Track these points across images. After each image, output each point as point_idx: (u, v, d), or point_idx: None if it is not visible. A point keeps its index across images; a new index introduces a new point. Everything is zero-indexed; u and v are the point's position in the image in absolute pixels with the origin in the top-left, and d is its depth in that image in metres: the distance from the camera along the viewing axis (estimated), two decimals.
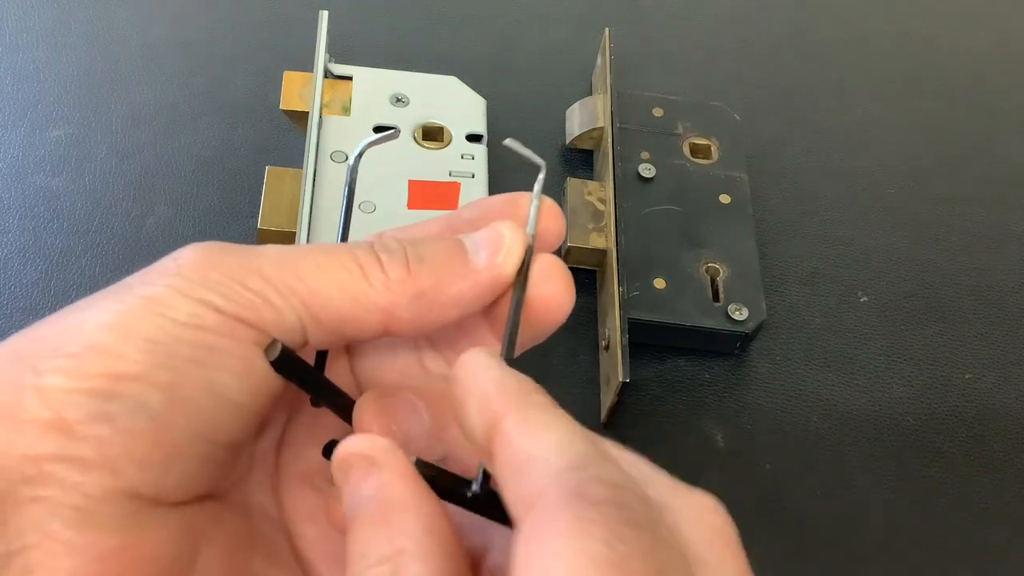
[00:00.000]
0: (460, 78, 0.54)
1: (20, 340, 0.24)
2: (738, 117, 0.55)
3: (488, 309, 0.27)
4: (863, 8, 0.67)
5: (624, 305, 0.46)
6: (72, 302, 0.25)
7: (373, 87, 0.53)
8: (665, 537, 0.20)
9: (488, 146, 0.52)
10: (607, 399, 0.45)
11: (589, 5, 0.63)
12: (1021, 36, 0.67)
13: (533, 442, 0.21)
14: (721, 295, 0.48)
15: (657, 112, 0.54)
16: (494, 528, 0.25)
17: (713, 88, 0.60)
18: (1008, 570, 0.45)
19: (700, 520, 0.22)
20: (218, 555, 0.25)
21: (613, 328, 0.45)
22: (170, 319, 0.23)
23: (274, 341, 0.24)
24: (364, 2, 0.61)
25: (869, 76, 0.63)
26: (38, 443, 0.22)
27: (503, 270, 0.25)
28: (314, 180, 0.47)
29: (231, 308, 0.24)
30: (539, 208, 0.26)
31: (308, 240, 0.45)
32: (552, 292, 0.26)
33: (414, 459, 0.24)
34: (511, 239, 0.25)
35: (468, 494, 0.24)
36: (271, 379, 0.25)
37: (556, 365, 0.47)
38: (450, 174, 0.50)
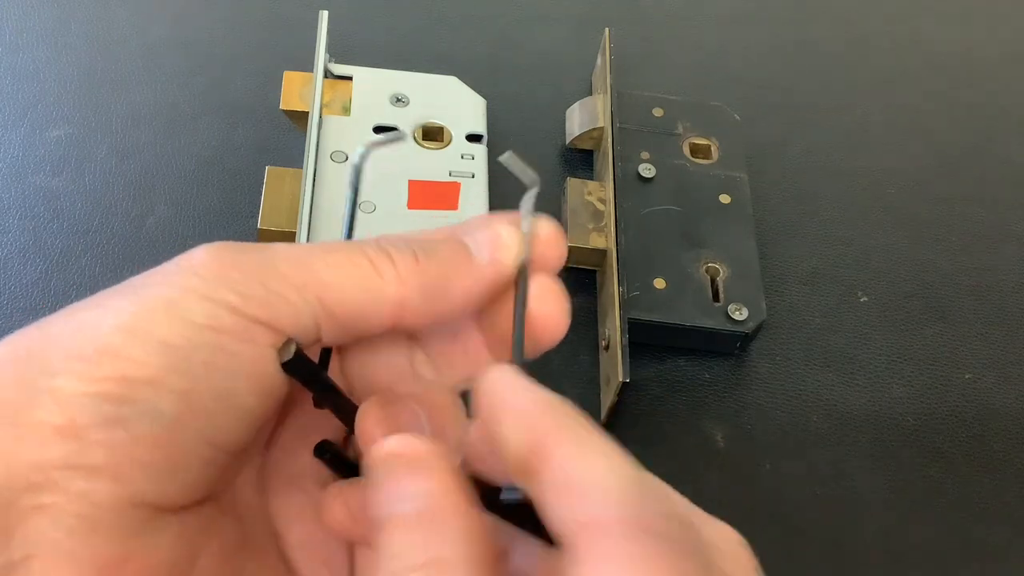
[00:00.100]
0: (460, 78, 0.54)
1: (32, 336, 0.23)
2: (738, 117, 0.55)
3: (481, 318, 0.27)
4: (863, 8, 0.67)
5: (624, 305, 0.46)
6: (72, 302, 0.24)
7: (373, 87, 0.53)
8: (715, 571, 0.21)
9: (488, 146, 0.52)
10: (607, 399, 0.45)
11: (589, 5, 0.63)
12: (1021, 36, 0.67)
13: (586, 468, 0.21)
14: (721, 295, 0.48)
15: (657, 112, 0.54)
16: (515, 532, 0.25)
17: (713, 88, 0.60)
18: (1008, 570, 0.45)
19: (735, 557, 0.23)
20: (214, 560, 0.25)
21: (613, 328, 0.45)
22: (187, 321, 0.23)
23: (289, 340, 0.24)
24: (364, 2, 0.61)
25: (869, 76, 0.63)
26: (47, 449, 0.22)
27: (504, 265, 0.26)
28: (314, 180, 0.47)
29: (249, 308, 0.24)
30: (532, 225, 0.26)
31: (308, 240, 0.45)
32: (547, 312, 0.26)
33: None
34: (508, 236, 0.26)
35: (504, 503, 0.24)
36: (279, 384, 0.25)
37: (556, 365, 0.47)
38: (450, 174, 0.50)
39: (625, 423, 0.46)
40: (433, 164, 0.50)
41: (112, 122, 0.53)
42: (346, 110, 0.51)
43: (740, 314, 0.47)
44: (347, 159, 0.49)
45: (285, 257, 0.25)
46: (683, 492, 0.24)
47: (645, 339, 0.48)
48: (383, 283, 0.25)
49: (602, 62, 0.56)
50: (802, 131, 0.59)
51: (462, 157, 0.51)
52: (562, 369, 0.47)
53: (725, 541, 0.23)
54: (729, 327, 0.47)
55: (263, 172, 0.49)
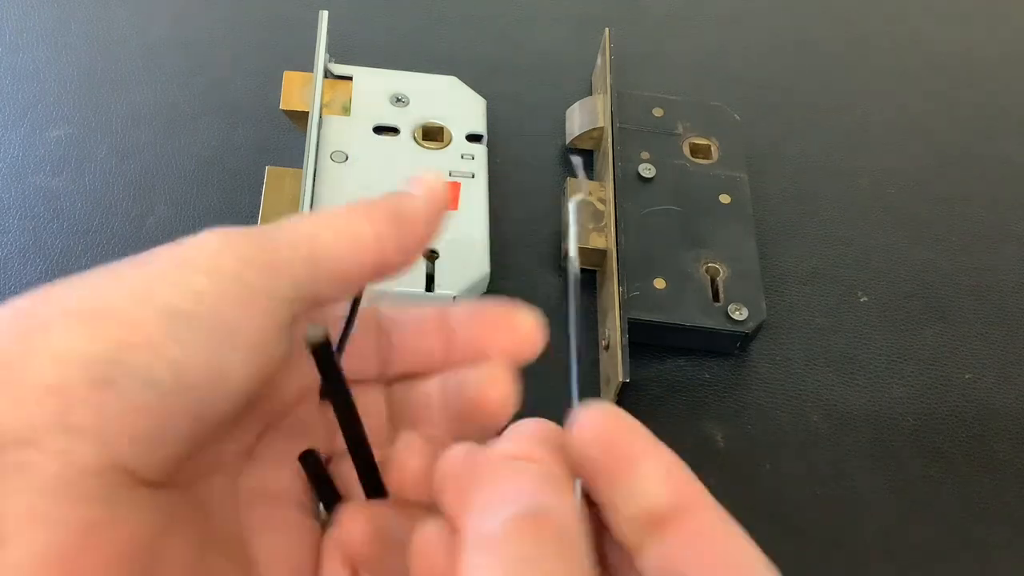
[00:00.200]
0: (460, 78, 0.54)
1: (34, 298, 0.24)
2: (738, 117, 0.55)
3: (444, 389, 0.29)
4: (863, 8, 0.67)
5: (624, 305, 0.46)
6: None
7: (373, 87, 0.53)
8: None
9: (488, 146, 0.52)
10: (607, 399, 0.45)
11: (589, 5, 0.63)
12: (1021, 36, 0.67)
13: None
14: (721, 295, 0.48)
15: (657, 112, 0.54)
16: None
17: (713, 88, 0.60)
18: (1008, 570, 0.45)
19: None
20: (183, 549, 0.25)
21: (613, 328, 0.45)
22: (189, 288, 0.23)
23: (316, 325, 0.25)
24: (364, 2, 0.61)
25: (869, 76, 0.63)
26: (37, 407, 0.22)
27: (436, 190, 0.28)
28: (314, 180, 0.47)
29: (250, 273, 0.24)
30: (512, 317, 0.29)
31: None
32: (494, 397, 0.28)
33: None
34: (429, 176, 0.28)
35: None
36: (271, 362, 0.25)
37: (556, 365, 0.47)
38: (450, 174, 0.50)
39: None
40: (433, 164, 0.50)
41: (112, 122, 0.53)
42: (346, 110, 0.51)
43: (740, 314, 0.47)
44: (347, 159, 0.49)
45: (282, 225, 0.26)
46: None
47: (645, 339, 0.48)
48: (360, 224, 0.26)
49: (602, 62, 0.56)
50: (802, 131, 0.59)
51: (462, 157, 0.51)
52: (562, 369, 0.47)
53: None
54: (729, 327, 0.47)
55: (263, 172, 0.49)
